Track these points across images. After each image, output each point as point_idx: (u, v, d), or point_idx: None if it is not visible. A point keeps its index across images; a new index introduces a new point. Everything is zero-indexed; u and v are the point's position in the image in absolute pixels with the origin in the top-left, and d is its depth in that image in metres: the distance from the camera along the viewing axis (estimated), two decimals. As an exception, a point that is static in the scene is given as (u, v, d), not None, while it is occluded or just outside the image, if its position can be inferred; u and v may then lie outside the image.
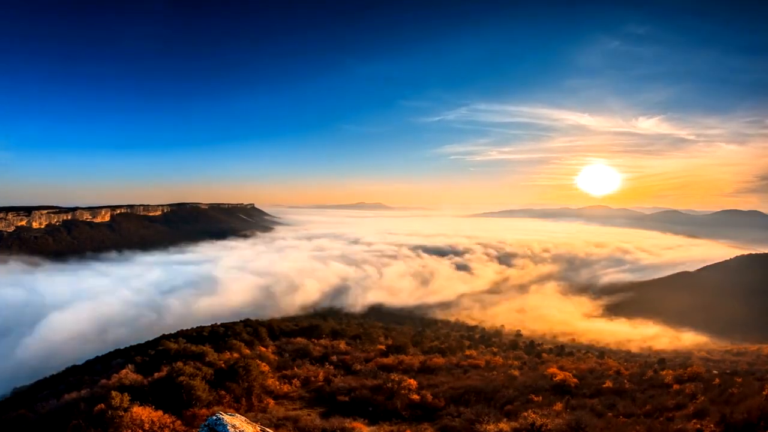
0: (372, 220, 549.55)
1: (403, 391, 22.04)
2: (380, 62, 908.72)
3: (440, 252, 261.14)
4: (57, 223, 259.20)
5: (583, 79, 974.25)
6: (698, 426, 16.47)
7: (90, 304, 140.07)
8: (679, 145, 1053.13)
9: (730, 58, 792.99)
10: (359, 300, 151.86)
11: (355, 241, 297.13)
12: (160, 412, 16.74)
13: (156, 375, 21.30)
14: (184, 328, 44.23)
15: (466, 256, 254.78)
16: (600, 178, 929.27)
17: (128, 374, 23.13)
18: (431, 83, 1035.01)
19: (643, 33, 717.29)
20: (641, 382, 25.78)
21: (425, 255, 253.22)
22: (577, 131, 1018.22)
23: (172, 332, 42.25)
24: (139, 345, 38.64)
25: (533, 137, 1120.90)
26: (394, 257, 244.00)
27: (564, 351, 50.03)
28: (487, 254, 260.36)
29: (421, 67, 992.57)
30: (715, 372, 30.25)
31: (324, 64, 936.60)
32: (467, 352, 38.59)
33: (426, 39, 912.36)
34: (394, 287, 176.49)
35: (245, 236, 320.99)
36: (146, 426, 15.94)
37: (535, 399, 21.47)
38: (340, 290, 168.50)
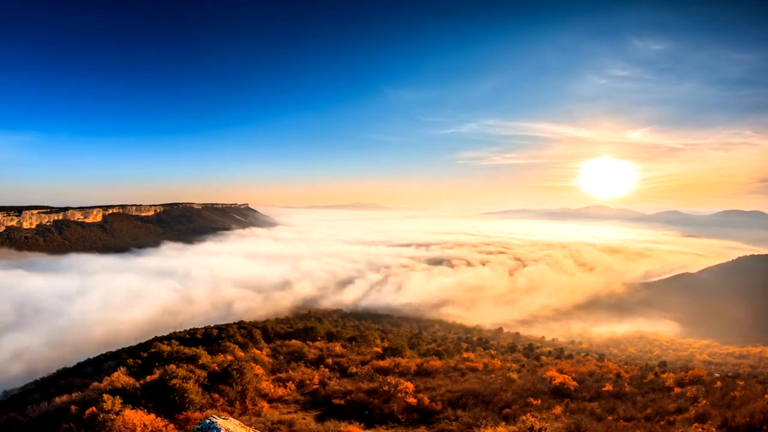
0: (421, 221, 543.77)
1: (399, 395, 21.70)
2: (409, 89, 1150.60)
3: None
4: (48, 224, 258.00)
5: (577, 104, 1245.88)
6: (700, 430, 16.24)
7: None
8: (672, 152, 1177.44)
9: (706, 89, 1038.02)
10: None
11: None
12: (152, 416, 16.56)
13: (148, 378, 20.90)
14: (177, 331, 43.82)
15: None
16: (600, 180, 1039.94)
17: (120, 377, 22.70)
18: (448, 105, 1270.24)
19: (625, 75, 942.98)
20: (642, 385, 25.57)
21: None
22: (576, 141, 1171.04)
23: (165, 334, 41.89)
24: (131, 347, 38.21)
25: (536, 146, 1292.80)
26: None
27: (563, 353, 49.75)
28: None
29: (442, 94, 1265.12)
30: (716, 375, 30.19)
31: (357, 85, 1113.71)
32: (465, 355, 38.27)
33: (448, 72, 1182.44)
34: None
35: (232, 236, 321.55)
36: (138, 430, 15.73)
37: (534, 402, 21.17)
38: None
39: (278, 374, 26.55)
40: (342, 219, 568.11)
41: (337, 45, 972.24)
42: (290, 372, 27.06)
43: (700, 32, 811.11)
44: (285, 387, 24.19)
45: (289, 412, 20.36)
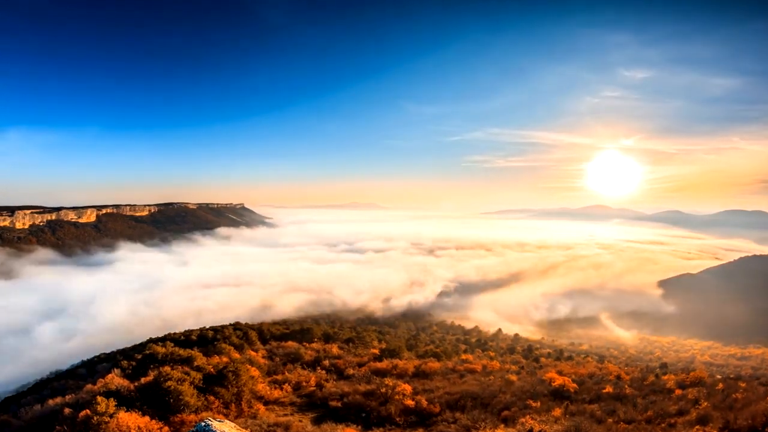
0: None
1: (397, 397, 21.49)
2: (425, 104, 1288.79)
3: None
4: (41, 224, 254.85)
5: (573, 117, 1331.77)
6: (701, 432, 16.05)
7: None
8: (667, 156, 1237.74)
9: (691, 106, 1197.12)
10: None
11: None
12: (146, 418, 16.37)
13: (143, 380, 20.66)
14: (172, 332, 43.49)
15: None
16: (601, 179, 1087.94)
17: (114, 379, 22.48)
18: (457, 116, 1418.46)
19: (616, 95, 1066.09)
20: (642, 387, 25.38)
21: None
22: (574, 146, 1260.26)
23: (160, 336, 41.59)
24: (125, 349, 37.88)
25: (537, 151, 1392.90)
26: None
27: (563, 355, 49.57)
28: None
29: (452, 109, 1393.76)
30: (718, 377, 30.01)
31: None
32: (463, 357, 38.11)
33: (460, 93, 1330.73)
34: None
35: (224, 236, 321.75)
36: (133, 432, 15.43)
37: (533, 404, 20.96)
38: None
39: (274, 376, 26.29)
40: (366, 220, 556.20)
41: (347, 49, 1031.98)
42: (286, 374, 26.80)
43: (679, 64, 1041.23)
44: (281, 389, 23.92)
45: (285, 415, 20.13)
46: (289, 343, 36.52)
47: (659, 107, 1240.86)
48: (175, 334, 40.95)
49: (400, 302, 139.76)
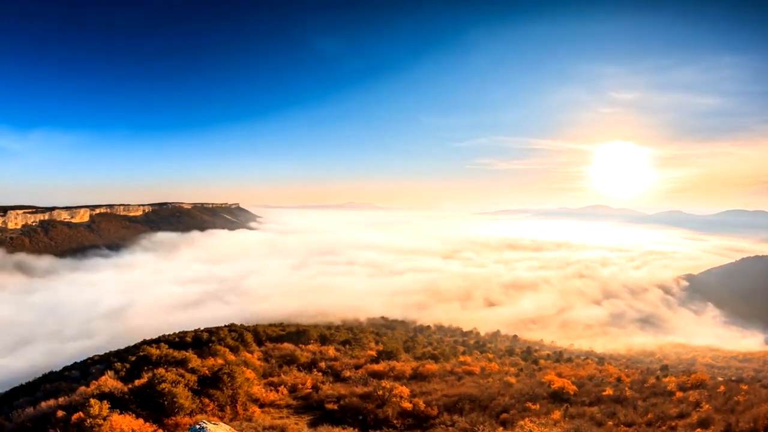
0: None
1: (394, 399, 21.22)
2: (434, 115, 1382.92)
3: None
4: (34, 224, 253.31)
5: (572, 128, 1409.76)
6: (703, 435, 15.88)
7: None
8: (662, 159, 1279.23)
9: (680, 120, 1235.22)
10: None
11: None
12: (140, 421, 16.04)
13: (137, 382, 20.30)
14: (166, 333, 43.17)
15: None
16: (600, 182, 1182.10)
17: (108, 381, 22.15)
18: (464, 126, 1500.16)
19: (608, 112, 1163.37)
20: (643, 389, 25.15)
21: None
22: (573, 151, 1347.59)
23: (154, 337, 41.31)
24: (119, 351, 37.60)
25: (538, 155, 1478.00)
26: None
27: (562, 357, 49.34)
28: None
29: (461, 120, 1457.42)
30: (720, 379, 29.74)
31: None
32: (461, 358, 37.84)
33: (471, 107, 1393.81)
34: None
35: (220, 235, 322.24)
36: (126, 435, 15.18)
37: (532, 407, 20.74)
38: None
39: (270, 378, 25.99)
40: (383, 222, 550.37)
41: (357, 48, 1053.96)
42: (282, 376, 26.50)
43: (663, 88, 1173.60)
44: (277, 391, 23.61)
45: (281, 417, 19.88)
46: (285, 344, 36.19)
47: (649, 120, 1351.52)
48: (169, 335, 40.65)
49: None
